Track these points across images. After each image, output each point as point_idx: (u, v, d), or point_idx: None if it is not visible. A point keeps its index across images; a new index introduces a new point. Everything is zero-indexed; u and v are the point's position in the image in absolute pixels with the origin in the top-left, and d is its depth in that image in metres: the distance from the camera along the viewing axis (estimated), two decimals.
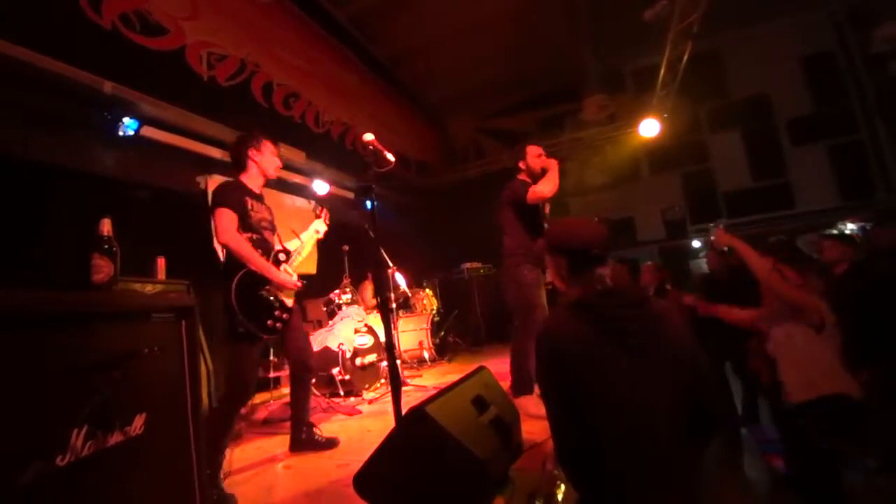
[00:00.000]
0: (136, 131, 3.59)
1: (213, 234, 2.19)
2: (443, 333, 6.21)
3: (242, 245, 2.18)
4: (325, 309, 4.53)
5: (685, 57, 5.69)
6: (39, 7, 2.95)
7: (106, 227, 1.42)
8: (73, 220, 3.04)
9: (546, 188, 2.88)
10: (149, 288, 2.70)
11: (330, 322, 4.26)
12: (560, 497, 1.67)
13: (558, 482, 1.71)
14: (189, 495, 1.45)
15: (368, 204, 1.98)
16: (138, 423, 1.27)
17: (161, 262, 3.11)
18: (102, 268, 1.38)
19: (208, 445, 1.91)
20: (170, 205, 3.91)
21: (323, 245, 2.77)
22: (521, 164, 3.13)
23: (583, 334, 1.16)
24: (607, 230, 1.38)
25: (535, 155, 3.09)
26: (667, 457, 1.08)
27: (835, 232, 3.66)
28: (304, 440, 2.52)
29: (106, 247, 1.39)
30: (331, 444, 2.56)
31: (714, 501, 1.17)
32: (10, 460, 0.95)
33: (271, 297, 2.25)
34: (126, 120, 3.53)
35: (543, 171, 3.01)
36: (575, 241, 1.34)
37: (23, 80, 2.94)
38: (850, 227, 6.67)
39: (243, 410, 3.02)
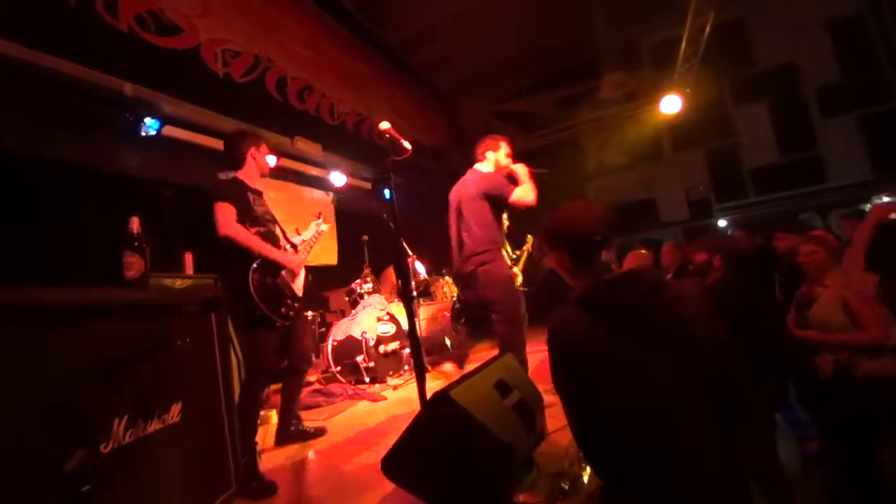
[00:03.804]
0: (158, 131, 3.67)
1: (216, 228, 2.17)
2: (464, 320, 6.24)
3: (244, 234, 2.19)
4: (347, 298, 4.60)
5: (707, 28, 5.46)
6: (58, 13, 3.03)
7: (135, 225, 1.47)
8: (103, 219, 3.14)
9: (530, 196, 2.79)
10: (178, 283, 2.78)
11: (353, 311, 4.32)
12: (586, 479, 1.68)
13: (584, 464, 1.71)
14: (226, 478, 1.51)
15: (387, 193, 1.99)
16: (175, 411, 1.33)
17: (188, 258, 3.20)
18: (134, 264, 1.43)
19: (240, 432, 1.98)
20: (194, 201, 4.00)
21: (342, 236, 2.79)
22: (491, 156, 2.98)
23: (593, 331, 1.12)
24: (606, 211, 1.33)
25: (507, 153, 2.99)
26: (694, 445, 1.05)
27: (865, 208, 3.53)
28: (293, 432, 2.55)
29: (136, 244, 1.45)
30: (319, 432, 2.61)
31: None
32: (57, 448, 1.01)
33: (283, 286, 2.30)
34: (148, 120, 3.60)
35: (510, 175, 2.91)
36: (574, 230, 1.28)
37: (48, 85, 3.03)
38: (885, 201, 6.39)
39: (270, 398, 3.09)
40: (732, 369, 1.15)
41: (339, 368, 3.91)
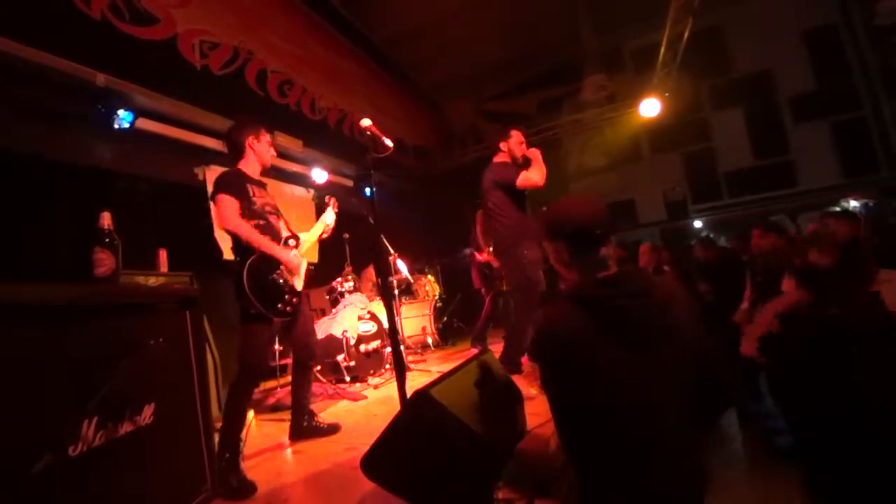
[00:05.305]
0: (132, 123, 3.56)
1: (216, 222, 2.19)
2: (445, 319, 6.25)
3: (246, 229, 2.18)
4: (327, 297, 4.55)
5: (686, 34, 5.58)
6: None
7: (106, 220, 1.42)
8: (72, 215, 3.03)
9: (536, 176, 3.02)
10: (151, 280, 2.71)
11: (333, 310, 4.28)
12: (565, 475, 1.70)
13: (564, 460, 1.73)
14: (201, 480, 1.48)
15: (368, 191, 1.97)
16: (147, 412, 1.29)
17: (163, 254, 3.11)
18: (104, 261, 1.39)
19: (226, 428, 1.94)
20: (169, 196, 3.90)
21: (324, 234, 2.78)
22: (504, 146, 3.25)
23: (584, 329, 1.11)
24: (606, 206, 1.31)
25: (518, 141, 3.24)
26: (674, 444, 1.07)
27: (839, 209, 3.61)
28: (306, 427, 2.53)
29: (107, 240, 1.40)
30: (333, 429, 2.58)
31: (719, 481, 1.17)
32: (22, 452, 0.97)
33: (281, 281, 2.26)
34: (121, 112, 3.49)
35: (525, 159, 3.15)
36: (575, 222, 1.25)
37: (15, 74, 2.91)
38: (852, 205, 6.65)
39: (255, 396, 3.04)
40: (714, 371, 1.17)
41: (319, 368, 3.86)
